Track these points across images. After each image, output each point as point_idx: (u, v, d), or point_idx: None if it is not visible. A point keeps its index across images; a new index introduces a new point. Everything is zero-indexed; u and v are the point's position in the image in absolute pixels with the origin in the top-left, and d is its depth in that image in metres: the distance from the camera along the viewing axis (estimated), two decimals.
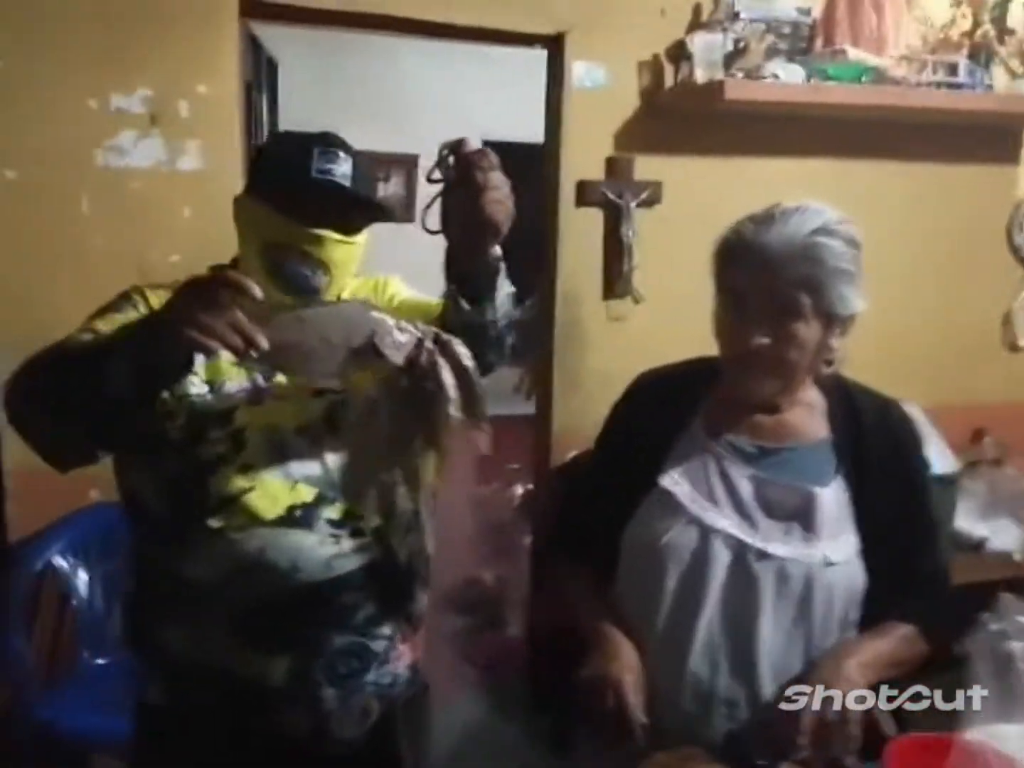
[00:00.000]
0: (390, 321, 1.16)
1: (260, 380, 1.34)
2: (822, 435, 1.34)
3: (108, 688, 2.17)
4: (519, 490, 4.08)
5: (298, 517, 1.29)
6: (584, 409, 2.74)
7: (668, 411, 1.36)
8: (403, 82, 6.20)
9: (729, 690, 1.23)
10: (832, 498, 1.29)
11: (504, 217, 1.17)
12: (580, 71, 2.72)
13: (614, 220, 2.80)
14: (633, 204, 2.79)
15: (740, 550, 1.26)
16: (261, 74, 2.83)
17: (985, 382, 3.31)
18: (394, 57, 5.91)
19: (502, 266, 1.26)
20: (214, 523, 1.27)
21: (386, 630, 1.38)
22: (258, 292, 1.04)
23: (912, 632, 1.28)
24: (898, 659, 1.25)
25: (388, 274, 1.57)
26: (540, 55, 2.81)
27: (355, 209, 1.38)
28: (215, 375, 1.33)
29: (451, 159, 1.17)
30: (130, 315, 1.30)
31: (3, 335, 2.30)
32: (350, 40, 5.39)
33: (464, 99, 6.31)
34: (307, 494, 1.30)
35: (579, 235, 2.82)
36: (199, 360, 1.28)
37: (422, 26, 2.63)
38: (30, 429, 1.21)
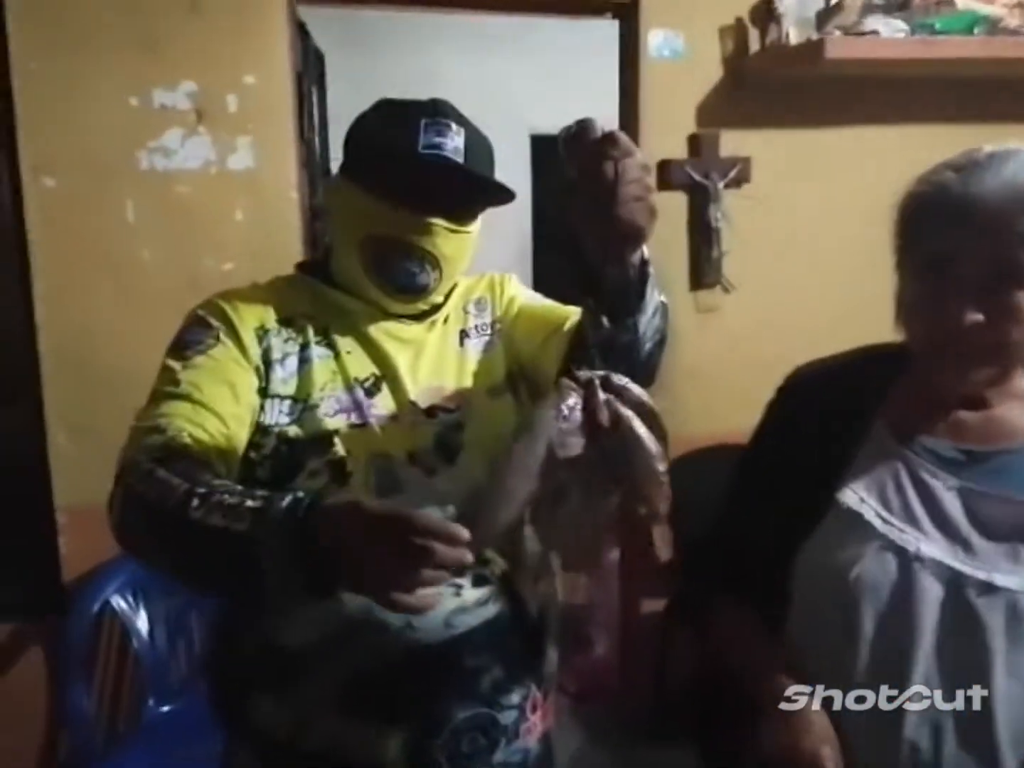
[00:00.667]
0: (550, 412, 0.89)
1: (361, 394, 1.13)
2: None
3: (177, 738, 1.99)
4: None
5: None
6: (674, 412, 2.49)
7: (842, 412, 1.10)
8: (445, 75, 6.00)
9: (957, 764, 0.98)
10: None
11: (646, 216, 0.92)
12: (657, 40, 2.48)
13: (700, 202, 2.55)
14: (720, 184, 2.54)
15: (956, 582, 0.99)
16: (310, 64, 2.62)
17: None
18: (435, 49, 5.71)
19: (650, 272, 1.02)
20: None
21: (515, 698, 1.15)
22: (464, 534, 0.78)
23: None
24: None
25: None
26: (589, 35, 2.58)
27: (470, 191, 1.15)
28: (306, 389, 1.12)
29: (573, 148, 0.92)
30: (215, 353, 1.09)
31: (50, 350, 2.14)
32: (392, 31, 5.25)
33: (509, 92, 6.10)
34: None
35: (662, 220, 2.56)
36: (286, 371, 1.11)
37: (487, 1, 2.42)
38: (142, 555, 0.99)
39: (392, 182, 1.11)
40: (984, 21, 2.40)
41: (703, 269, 2.59)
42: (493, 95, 6.11)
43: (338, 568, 0.80)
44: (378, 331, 1.18)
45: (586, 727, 2.81)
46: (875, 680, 1.00)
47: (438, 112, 1.13)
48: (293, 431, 1.09)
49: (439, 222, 1.12)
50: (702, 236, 2.57)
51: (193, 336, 1.12)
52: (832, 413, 1.11)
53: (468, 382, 1.22)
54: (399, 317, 1.20)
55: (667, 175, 2.52)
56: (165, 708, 2.12)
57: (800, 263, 2.55)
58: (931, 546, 1.01)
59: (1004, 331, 0.98)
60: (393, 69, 5.81)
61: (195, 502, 0.88)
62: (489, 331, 1.27)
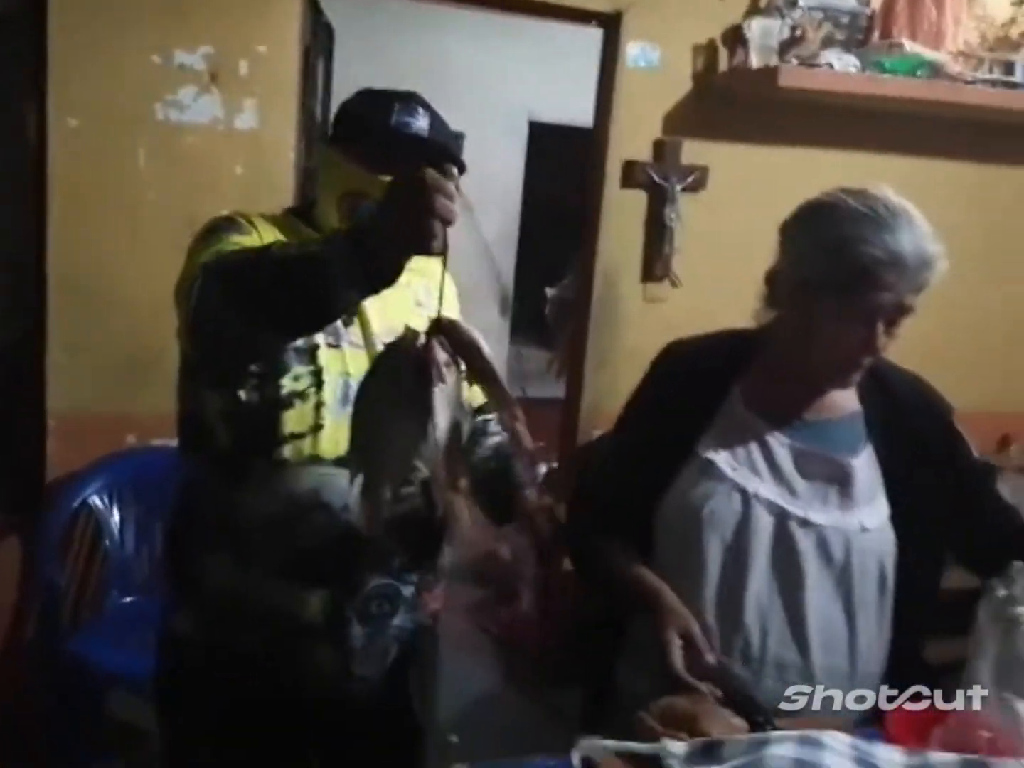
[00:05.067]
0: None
1: (339, 324, 1.37)
2: (854, 408, 1.37)
3: (133, 626, 2.24)
4: (543, 468, 4.09)
5: None
6: (612, 388, 2.75)
7: (704, 380, 1.39)
8: (451, 59, 6.20)
9: (779, 654, 1.27)
10: (864, 467, 1.32)
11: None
12: (635, 51, 2.73)
13: (658, 203, 2.82)
14: (678, 188, 2.80)
15: (782, 517, 1.29)
16: (318, 38, 2.85)
17: (1014, 389, 3.29)
18: (443, 33, 5.91)
19: None
20: (279, 456, 1.31)
21: (415, 578, 1.43)
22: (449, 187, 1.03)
23: None
24: None
25: None
26: (589, 35, 2.82)
27: (429, 161, 1.40)
28: None
29: None
30: (247, 237, 1.31)
31: (58, 275, 2.38)
32: (402, 13, 5.42)
33: (511, 78, 6.31)
34: None
35: (622, 216, 2.84)
36: None
37: None
38: (219, 331, 1.19)
39: (367, 150, 1.36)
40: (928, 66, 2.67)
41: (654, 263, 2.86)
42: (495, 81, 6.33)
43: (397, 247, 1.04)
44: None
45: (505, 667, 3.10)
46: (720, 593, 1.29)
47: (410, 99, 1.39)
48: None
49: None
50: (656, 233, 2.83)
51: (223, 228, 1.32)
52: (697, 382, 1.39)
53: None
54: None
55: (631, 174, 2.78)
56: (127, 599, 2.38)
57: (740, 266, 2.78)
58: (766, 488, 1.30)
59: (886, 348, 1.28)
60: (400, 50, 6.00)
61: (272, 250, 1.14)
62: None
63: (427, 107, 1.40)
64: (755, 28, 2.67)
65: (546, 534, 1.47)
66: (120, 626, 2.33)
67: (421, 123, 1.38)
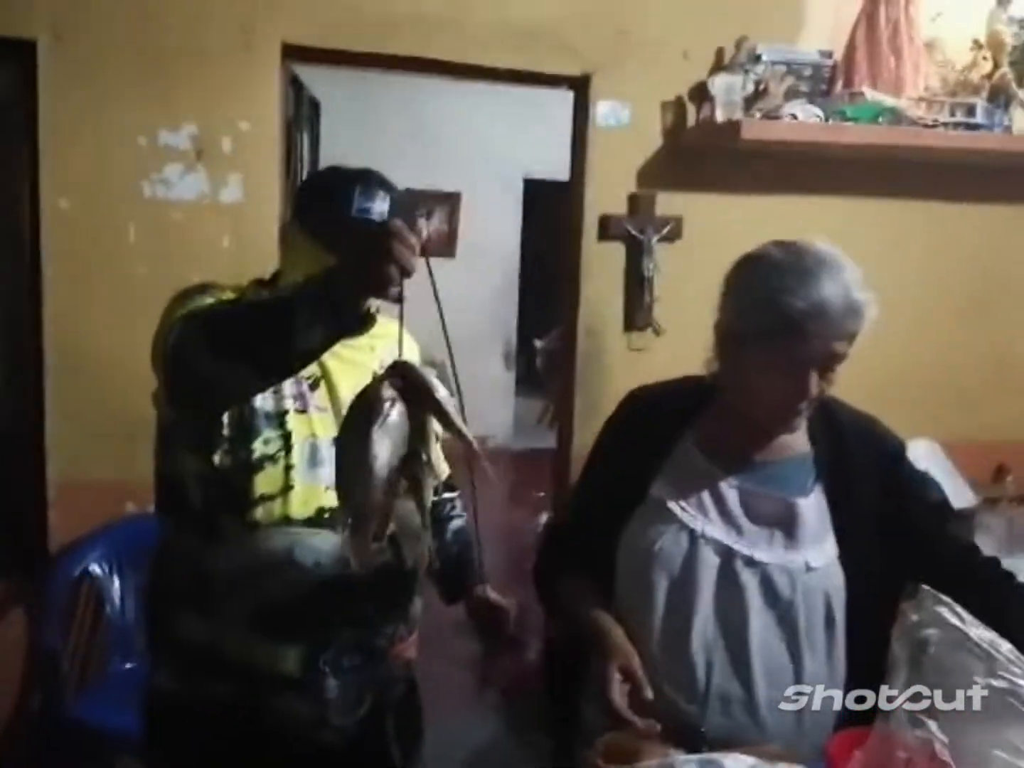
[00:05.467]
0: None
1: (306, 389, 1.45)
2: (804, 450, 1.42)
3: (135, 691, 2.26)
4: (543, 518, 4.15)
5: (325, 519, 1.41)
6: None
7: (661, 425, 1.45)
8: (443, 122, 6.38)
9: (723, 687, 1.30)
10: (812, 507, 1.37)
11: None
12: (604, 110, 2.83)
13: (636, 254, 2.89)
14: (654, 239, 2.88)
15: (728, 556, 1.34)
16: (302, 113, 2.98)
17: (1009, 419, 3.32)
18: (434, 97, 6.09)
19: None
20: (251, 517, 1.37)
21: (388, 629, 1.48)
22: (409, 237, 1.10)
23: None
24: None
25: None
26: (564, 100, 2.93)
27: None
28: None
29: None
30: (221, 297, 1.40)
31: (55, 347, 2.47)
32: (391, 81, 5.55)
33: (504, 138, 6.48)
34: (334, 499, 1.40)
35: (602, 269, 2.92)
36: None
37: (454, 68, 2.76)
38: (195, 371, 1.26)
39: (331, 235, 1.42)
40: (889, 112, 2.75)
41: (636, 313, 2.92)
42: (489, 142, 6.50)
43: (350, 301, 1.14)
44: None
45: (508, 717, 3.11)
46: (666, 628, 1.33)
47: (370, 181, 1.46)
48: (259, 402, 1.40)
49: None
50: (636, 284, 2.91)
51: (195, 292, 1.40)
52: (653, 427, 1.45)
53: None
54: None
55: (607, 228, 2.87)
56: (128, 665, 2.43)
57: None
58: (713, 528, 1.35)
59: (822, 394, 1.33)
60: (390, 117, 6.18)
61: (241, 299, 1.26)
62: None
63: (387, 187, 1.47)
64: (719, 84, 2.77)
65: (493, 631, 1.60)
66: (122, 691, 2.36)
67: (381, 207, 1.44)
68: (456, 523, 1.73)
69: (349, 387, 1.46)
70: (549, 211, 6.91)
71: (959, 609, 0.92)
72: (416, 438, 1.17)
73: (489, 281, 6.89)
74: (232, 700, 1.42)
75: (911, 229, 3.08)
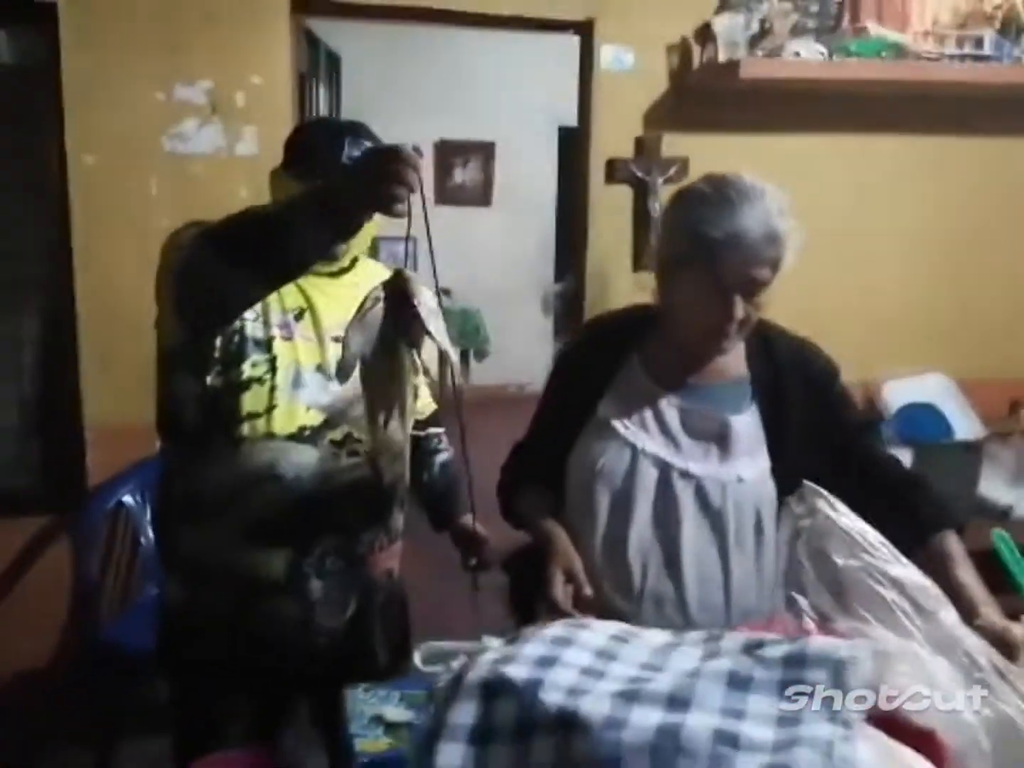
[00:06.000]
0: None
1: (291, 319, 1.57)
2: (741, 373, 1.51)
3: None
4: None
5: (306, 436, 1.54)
6: None
7: (610, 351, 1.54)
8: (476, 72, 6.40)
9: (657, 588, 1.42)
10: (746, 424, 1.46)
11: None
12: (609, 55, 2.88)
13: (642, 196, 2.95)
14: (660, 180, 2.93)
15: (666, 469, 1.44)
16: (319, 66, 3.07)
17: (1022, 356, 3.32)
18: (465, 47, 6.10)
19: None
20: (238, 434, 1.50)
21: (368, 537, 1.62)
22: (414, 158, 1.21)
23: (952, 537, 1.40)
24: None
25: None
26: None
27: None
28: (263, 307, 1.54)
29: None
30: None
31: (85, 297, 2.63)
32: (415, 33, 5.59)
33: (538, 86, 6.46)
34: (316, 418, 1.55)
35: (609, 212, 2.98)
36: None
37: (462, 17, 2.83)
38: (206, 280, 1.37)
39: (321, 180, 1.48)
40: (892, 47, 2.75)
41: (643, 254, 2.99)
42: (522, 91, 6.51)
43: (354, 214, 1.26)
44: (306, 280, 1.61)
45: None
46: (607, 536, 1.44)
47: (358, 133, 1.58)
48: (250, 329, 1.52)
49: None
50: (643, 225, 2.97)
51: (195, 224, 1.49)
52: (602, 351, 1.55)
53: None
54: (320, 273, 1.64)
55: (614, 171, 2.93)
56: (158, 592, 2.60)
57: None
58: (652, 444, 1.45)
59: (751, 318, 1.41)
60: (417, 69, 6.19)
61: (251, 209, 1.36)
62: None
63: (374, 138, 1.58)
64: (722, 24, 2.79)
65: (474, 560, 1.74)
66: (153, 615, 2.55)
67: None
68: (443, 456, 1.86)
69: (333, 320, 1.58)
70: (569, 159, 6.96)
71: (834, 501, 1.00)
72: (399, 334, 1.28)
73: (526, 229, 6.95)
74: (228, 608, 1.56)
75: (921, 165, 3.08)
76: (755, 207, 1.34)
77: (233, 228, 1.36)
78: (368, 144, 1.56)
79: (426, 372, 1.34)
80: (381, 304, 1.26)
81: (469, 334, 6.57)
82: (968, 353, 3.26)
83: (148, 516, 2.64)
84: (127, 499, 2.62)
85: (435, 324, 1.25)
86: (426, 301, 1.26)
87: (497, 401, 5.45)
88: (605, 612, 1.35)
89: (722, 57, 2.76)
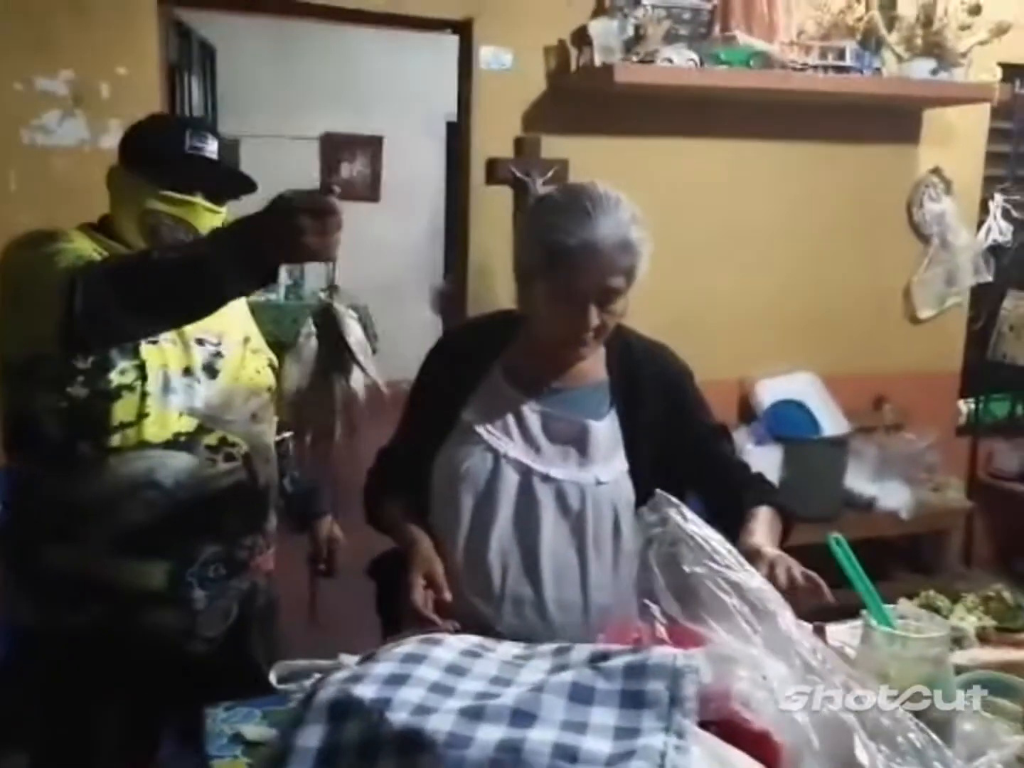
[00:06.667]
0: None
1: None
2: (601, 378, 1.54)
3: None
4: None
5: (182, 442, 1.50)
6: None
7: (473, 356, 1.56)
8: (362, 66, 6.33)
9: (516, 590, 1.44)
10: (604, 429, 1.49)
11: None
12: (488, 55, 2.88)
13: (522, 197, 2.96)
14: (540, 181, 2.95)
15: (527, 473, 1.47)
16: (191, 58, 2.98)
17: (888, 352, 3.49)
18: (345, 40, 6.02)
19: None
20: (109, 444, 1.45)
21: (247, 542, 1.59)
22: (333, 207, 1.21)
23: (768, 510, 1.47)
24: (777, 531, 1.45)
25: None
26: None
27: (223, 181, 1.59)
28: None
29: None
30: (73, 245, 1.46)
31: None
32: (297, 26, 5.50)
33: (425, 81, 6.43)
34: (189, 424, 1.51)
35: (491, 211, 2.99)
36: None
37: (338, 12, 2.79)
38: (109, 323, 1.33)
39: (165, 172, 1.51)
40: (759, 56, 2.85)
41: None
42: (407, 85, 6.46)
43: (276, 255, 1.23)
44: None
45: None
46: (469, 539, 1.46)
47: (200, 125, 1.56)
48: None
49: (199, 200, 1.53)
50: None
51: (48, 239, 1.46)
52: (465, 358, 1.57)
53: (228, 327, 1.62)
54: None
55: (494, 172, 2.93)
56: None
57: None
58: (514, 448, 1.48)
59: (608, 325, 1.44)
60: (302, 62, 6.09)
61: (153, 254, 1.31)
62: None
63: (214, 132, 1.57)
64: (598, 28, 2.84)
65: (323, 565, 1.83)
66: None
67: (211, 147, 1.55)
68: None
69: (195, 324, 1.55)
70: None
71: (685, 509, 1.03)
72: (332, 366, 1.35)
73: (415, 225, 6.90)
74: (101, 622, 1.51)
75: (789, 169, 3.20)
76: (609, 216, 1.37)
77: (146, 276, 1.30)
78: (210, 135, 1.55)
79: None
80: (313, 338, 1.34)
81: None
82: (833, 351, 3.40)
83: None
84: None
85: (363, 355, 1.33)
86: (354, 332, 1.33)
87: (385, 398, 5.40)
88: (466, 616, 1.37)
89: (598, 61, 2.80)
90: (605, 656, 0.82)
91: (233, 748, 1.15)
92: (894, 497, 3.15)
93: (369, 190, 6.77)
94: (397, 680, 0.82)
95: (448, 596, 1.38)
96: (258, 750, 1.10)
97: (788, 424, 3.09)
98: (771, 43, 2.90)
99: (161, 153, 1.52)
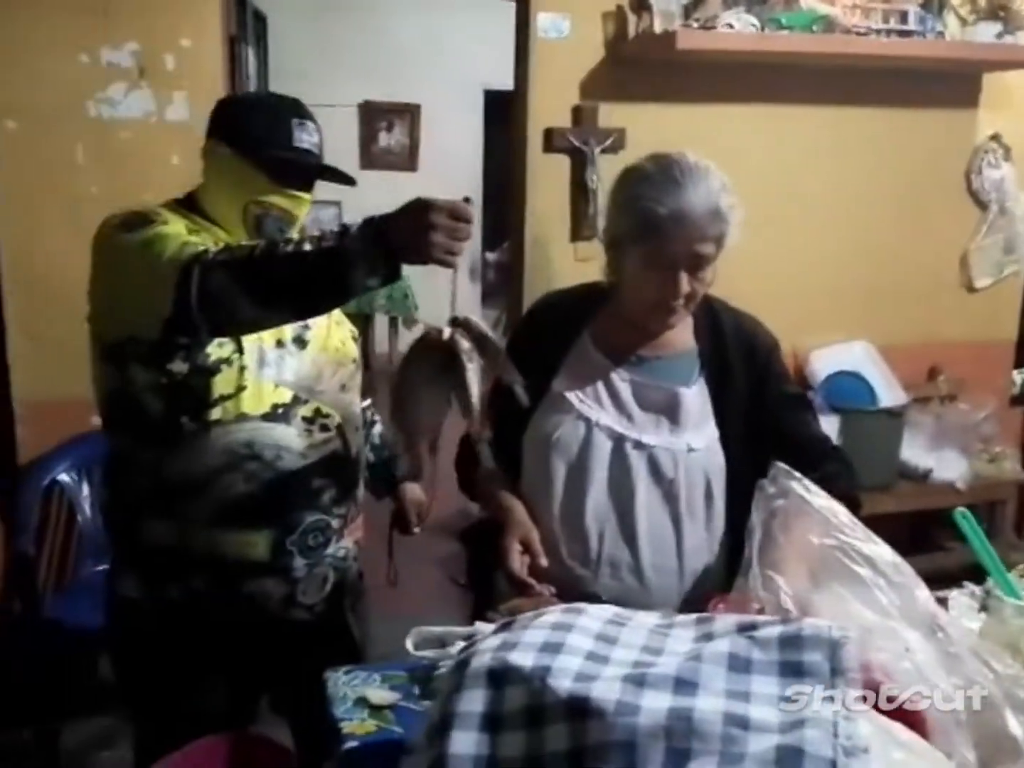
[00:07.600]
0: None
1: None
2: (690, 346, 1.56)
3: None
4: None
5: (279, 414, 1.53)
6: None
7: (562, 327, 1.58)
8: (401, 34, 6.30)
9: (613, 553, 1.47)
10: (694, 396, 1.52)
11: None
12: (545, 22, 2.87)
13: (579, 166, 2.96)
14: (598, 150, 2.94)
15: (619, 441, 1.49)
16: (247, 28, 2.98)
17: (943, 322, 3.47)
18: (391, 10, 6.00)
19: None
20: (210, 417, 1.48)
21: (342, 510, 1.62)
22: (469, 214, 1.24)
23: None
24: None
25: None
26: None
27: (323, 173, 1.62)
28: None
29: None
30: (170, 226, 1.47)
31: (12, 270, 2.53)
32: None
33: (463, 50, 6.41)
34: (285, 396, 1.54)
35: (547, 181, 2.99)
36: None
37: None
38: (233, 314, 1.34)
39: (274, 164, 1.52)
40: (822, 20, 2.81)
41: (581, 224, 3.01)
42: (446, 53, 6.43)
43: (404, 253, 1.24)
44: None
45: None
46: (564, 506, 1.49)
47: (301, 114, 1.57)
48: None
49: (306, 196, 1.57)
50: (581, 196, 2.99)
51: (145, 221, 1.47)
52: (555, 328, 1.59)
53: None
54: None
55: (551, 141, 2.93)
56: (100, 568, 2.56)
57: None
58: (606, 416, 1.50)
59: (698, 294, 1.46)
60: (343, 31, 6.06)
61: (280, 247, 1.31)
62: None
63: (314, 120, 1.58)
64: None
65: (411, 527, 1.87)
66: (96, 591, 2.50)
67: (314, 139, 1.57)
68: (378, 427, 1.90)
69: None
70: (501, 123, 6.95)
71: (807, 483, 1.05)
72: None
73: (452, 194, 6.78)
74: (204, 592, 1.54)
75: (846, 135, 3.16)
76: (699, 185, 1.39)
77: (274, 271, 1.32)
78: (311, 124, 1.56)
79: None
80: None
81: (397, 301, 6.52)
82: (888, 320, 3.38)
83: (84, 493, 2.59)
84: (62, 477, 2.55)
85: (476, 389, 1.29)
86: (476, 362, 1.30)
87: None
88: (561, 579, 1.40)
89: (657, 27, 2.78)
90: (753, 626, 0.84)
91: (359, 711, 1.18)
92: (950, 468, 3.15)
93: (407, 160, 6.76)
94: (552, 648, 0.84)
95: (544, 561, 1.42)
96: (384, 712, 1.13)
97: (845, 394, 3.08)
98: (832, 6, 2.86)
99: (271, 144, 1.52)
